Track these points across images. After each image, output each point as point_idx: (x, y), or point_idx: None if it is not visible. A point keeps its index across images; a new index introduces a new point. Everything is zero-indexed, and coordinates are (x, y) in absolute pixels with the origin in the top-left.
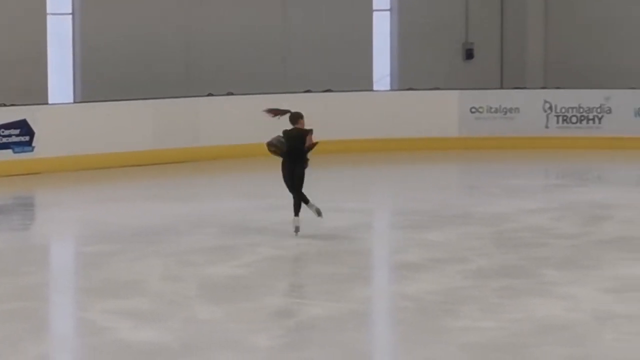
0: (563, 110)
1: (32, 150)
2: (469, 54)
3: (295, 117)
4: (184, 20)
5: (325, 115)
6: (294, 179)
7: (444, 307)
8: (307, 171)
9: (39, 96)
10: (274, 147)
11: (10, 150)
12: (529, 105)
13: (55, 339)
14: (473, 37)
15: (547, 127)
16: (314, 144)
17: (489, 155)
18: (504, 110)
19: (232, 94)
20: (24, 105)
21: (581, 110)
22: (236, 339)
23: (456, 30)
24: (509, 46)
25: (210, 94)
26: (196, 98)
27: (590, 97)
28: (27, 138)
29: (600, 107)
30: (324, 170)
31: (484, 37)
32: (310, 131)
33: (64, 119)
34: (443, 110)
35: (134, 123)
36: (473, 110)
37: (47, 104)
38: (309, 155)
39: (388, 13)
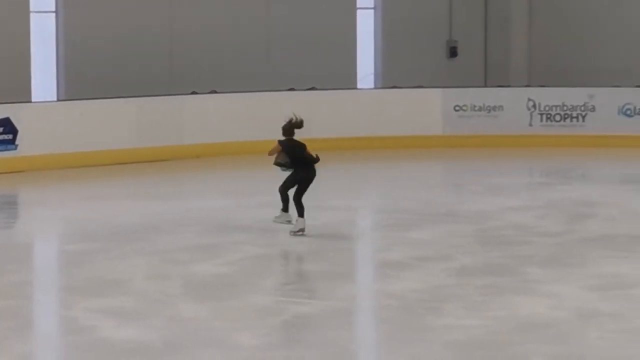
0: (547, 108)
1: (15, 149)
2: (452, 52)
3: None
4: (167, 18)
5: (309, 113)
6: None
7: (428, 305)
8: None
9: (23, 94)
10: (283, 165)
11: None
12: (513, 103)
13: (39, 338)
14: (457, 35)
15: (530, 125)
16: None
17: (473, 153)
18: (488, 108)
19: (215, 92)
20: (7, 104)
21: (565, 108)
22: (221, 338)
23: (440, 28)
24: (493, 44)
25: (194, 92)
26: (180, 96)
27: (573, 96)
28: (10, 136)
29: (583, 105)
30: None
31: (468, 35)
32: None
33: (48, 117)
34: (427, 108)
35: (117, 121)
36: (457, 108)
37: (30, 102)
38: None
39: (372, 11)
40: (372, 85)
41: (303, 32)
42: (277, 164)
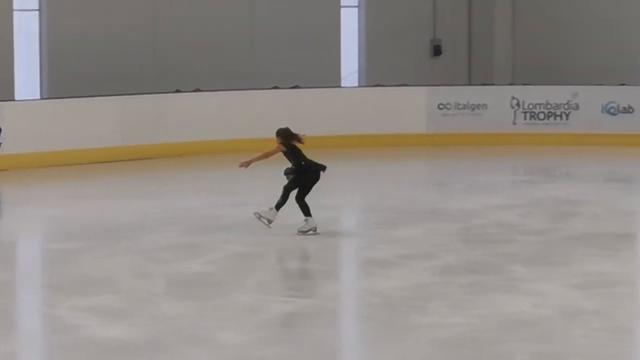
0: (531, 106)
1: None
2: (436, 51)
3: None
4: (151, 16)
5: (292, 111)
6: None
7: (412, 303)
8: (274, 170)
9: (6, 92)
10: (291, 176)
11: None
12: (497, 101)
13: (23, 337)
14: (441, 33)
15: (514, 123)
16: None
17: (457, 151)
18: (472, 106)
19: (199, 90)
20: None
21: (549, 106)
22: (205, 336)
23: (424, 27)
24: (477, 43)
25: (177, 91)
26: (163, 94)
27: (557, 94)
28: None
29: (567, 103)
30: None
31: (452, 33)
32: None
33: (31, 116)
34: (411, 106)
35: (101, 119)
36: (441, 106)
37: (13, 100)
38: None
39: (356, 9)
40: (356, 84)
41: (287, 31)
42: (287, 173)
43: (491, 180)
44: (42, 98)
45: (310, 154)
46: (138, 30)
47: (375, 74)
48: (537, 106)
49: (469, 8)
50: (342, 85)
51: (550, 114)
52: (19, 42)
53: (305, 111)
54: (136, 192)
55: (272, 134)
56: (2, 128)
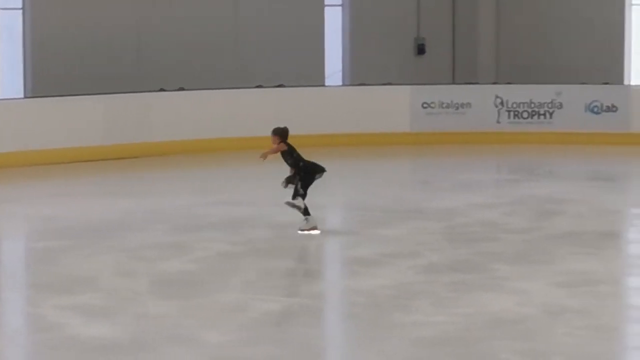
0: (514, 105)
1: None
2: (420, 50)
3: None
4: (135, 15)
5: (276, 110)
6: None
7: (396, 302)
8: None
9: None
10: (289, 182)
11: None
12: (481, 100)
13: (7, 335)
14: (425, 32)
15: (498, 122)
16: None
17: (441, 150)
18: (456, 105)
19: (183, 89)
20: None
21: (532, 105)
22: (188, 335)
23: (408, 25)
24: (461, 42)
25: (162, 89)
26: (148, 93)
27: (541, 93)
28: None
29: (551, 102)
30: (276, 165)
31: (436, 32)
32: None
33: (15, 115)
34: (395, 105)
35: (85, 118)
36: (425, 105)
37: None
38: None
39: (340, 8)
40: (340, 83)
41: (271, 29)
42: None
43: (475, 179)
44: (25, 97)
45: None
46: (122, 29)
47: (359, 72)
48: (521, 105)
49: (453, 7)
50: (326, 84)
51: (534, 113)
52: (3, 41)
53: (290, 110)
54: (120, 191)
55: (257, 133)
56: None
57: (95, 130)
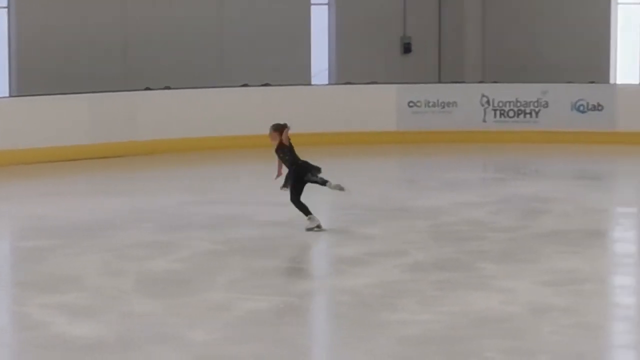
0: (500, 104)
1: None
2: (407, 48)
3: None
4: (121, 14)
5: (262, 109)
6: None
7: (382, 300)
8: (250, 166)
9: None
10: (285, 185)
11: None
12: (467, 99)
13: None
14: (411, 31)
15: (484, 121)
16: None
17: (427, 149)
18: (442, 104)
19: (169, 88)
20: None
21: (518, 104)
22: (174, 334)
23: (394, 24)
24: (447, 41)
25: (147, 88)
26: (133, 92)
27: (527, 92)
28: None
29: (537, 101)
30: (262, 164)
31: (422, 31)
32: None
33: (0, 113)
34: (381, 104)
35: (71, 117)
36: (411, 104)
37: None
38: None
39: (326, 7)
40: (326, 82)
41: (256, 28)
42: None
43: (461, 178)
44: (11, 96)
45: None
46: (108, 28)
47: (345, 71)
48: (507, 104)
49: (439, 6)
50: (313, 83)
51: (520, 112)
52: None
53: (276, 109)
54: (106, 189)
55: (243, 132)
56: None
57: (81, 129)
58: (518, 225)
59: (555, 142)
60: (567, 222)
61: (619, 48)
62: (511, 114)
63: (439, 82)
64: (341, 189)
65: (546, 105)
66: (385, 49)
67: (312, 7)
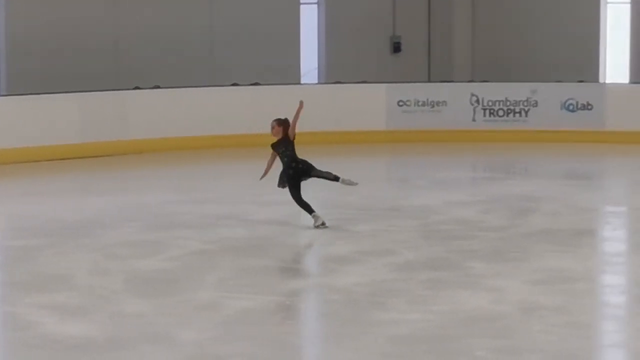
0: (490, 103)
1: None
2: (396, 48)
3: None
4: (111, 13)
5: (252, 108)
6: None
7: (372, 299)
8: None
9: None
10: (282, 183)
11: None
12: (456, 98)
13: None
14: (400, 30)
15: (474, 120)
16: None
17: (417, 148)
18: (432, 103)
19: (159, 87)
20: None
21: (508, 103)
22: (163, 333)
23: (383, 23)
24: (436, 40)
25: (137, 87)
26: (123, 91)
27: (516, 91)
28: None
29: (526, 100)
30: (251, 163)
31: (412, 30)
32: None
33: None
34: (370, 103)
35: (60, 116)
36: (400, 103)
37: None
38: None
39: (315, 6)
40: (315, 81)
41: (246, 27)
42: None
43: (451, 177)
44: (0, 95)
45: (269, 150)
46: (98, 27)
47: (334, 71)
48: (497, 103)
49: (429, 5)
50: (302, 82)
51: (509, 111)
52: None
53: (265, 108)
54: (96, 188)
55: (232, 131)
56: None
57: (71, 128)
58: (508, 224)
59: (544, 141)
60: (556, 221)
61: (608, 47)
62: (501, 113)
63: (429, 81)
64: (353, 183)
65: (536, 104)
66: (374, 48)
67: (302, 6)
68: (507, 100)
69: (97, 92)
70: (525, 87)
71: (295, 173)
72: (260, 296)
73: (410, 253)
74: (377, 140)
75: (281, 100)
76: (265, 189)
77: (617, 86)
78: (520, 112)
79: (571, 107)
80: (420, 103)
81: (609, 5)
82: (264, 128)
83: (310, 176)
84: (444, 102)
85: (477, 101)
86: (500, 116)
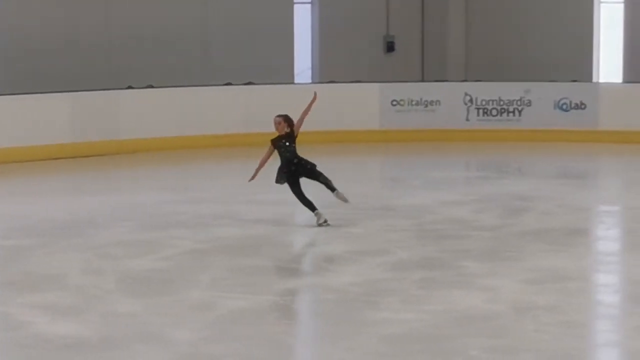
0: (483, 103)
1: None
2: (390, 47)
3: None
4: (104, 12)
5: (246, 108)
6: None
7: (366, 299)
8: (233, 165)
9: None
10: (282, 179)
11: None
12: (450, 98)
13: None
14: (394, 30)
15: (467, 119)
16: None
17: (410, 147)
18: (425, 102)
19: (152, 86)
20: None
21: (501, 103)
22: (156, 333)
23: (377, 23)
24: (430, 39)
25: (130, 87)
26: (116, 91)
27: (510, 90)
28: None
29: (520, 99)
30: (245, 163)
31: (405, 30)
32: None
33: None
34: (364, 103)
35: (53, 116)
36: (394, 103)
37: None
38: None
39: (309, 6)
40: (309, 80)
41: (240, 27)
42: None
43: (444, 176)
44: None
45: (263, 150)
46: (90, 26)
47: (328, 70)
48: (490, 102)
49: (422, 5)
50: (296, 81)
51: (503, 111)
52: None
53: (259, 108)
54: (88, 188)
55: (226, 131)
56: None
57: (63, 128)
58: (501, 223)
59: (538, 140)
60: (550, 221)
61: (602, 47)
62: (494, 112)
63: (422, 80)
64: (345, 200)
65: (529, 103)
66: (368, 47)
67: (295, 5)
68: (500, 99)
69: (90, 92)
70: (519, 87)
71: (296, 170)
72: (254, 296)
73: (404, 252)
74: (370, 139)
75: (275, 99)
76: (259, 188)
77: (610, 86)
78: (513, 112)
79: (565, 107)
80: (413, 102)
81: (602, 5)
82: (258, 127)
83: (310, 177)
84: (438, 102)
85: (471, 101)
86: (493, 116)
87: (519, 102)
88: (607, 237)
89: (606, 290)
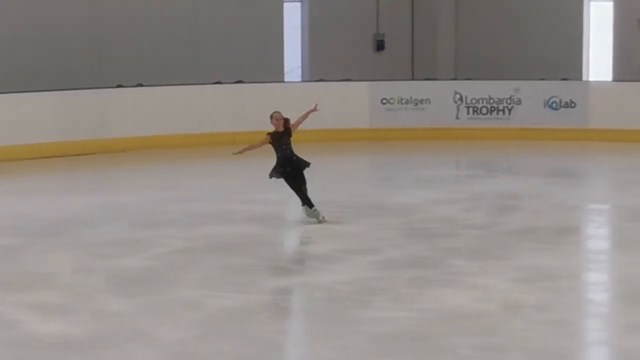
0: (473, 101)
1: None
2: (379, 46)
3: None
4: (93, 11)
5: (235, 107)
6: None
7: (355, 297)
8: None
9: None
10: (277, 174)
11: None
12: (440, 96)
13: None
14: (384, 28)
15: (457, 118)
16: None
17: (400, 146)
18: (415, 101)
19: (141, 85)
20: None
21: (491, 101)
22: (146, 332)
23: (367, 21)
24: (420, 38)
25: (119, 85)
26: (106, 89)
27: (500, 89)
28: None
29: (510, 98)
30: (235, 161)
31: (395, 28)
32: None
33: None
34: (354, 101)
35: (43, 114)
36: (384, 101)
37: None
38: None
39: (299, 4)
40: (299, 79)
41: (229, 25)
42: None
43: (434, 175)
44: None
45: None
46: (80, 25)
47: (318, 68)
48: (480, 101)
49: (412, 3)
50: (285, 80)
51: (492, 109)
52: None
53: (249, 106)
54: (77, 187)
55: (215, 129)
56: None
57: (53, 127)
58: (491, 222)
59: (528, 139)
60: (539, 219)
61: (591, 45)
62: (484, 110)
63: (412, 79)
64: (320, 219)
65: (519, 102)
66: (358, 46)
67: (285, 4)
68: (490, 98)
69: (80, 90)
70: (508, 85)
71: (291, 172)
72: (244, 295)
73: (394, 251)
74: (360, 138)
75: (264, 98)
76: (250, 187)
77: (600, 84)
78: (503, 110)
79: (554, 105)
80: (403, 101)
81: (592, 4)
82: (248, 126)
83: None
84: (428, 100)
85: (461, 99)
86: (483, 114)
87: (508, 101)
88: (597, 235)
89: (596, 288)
